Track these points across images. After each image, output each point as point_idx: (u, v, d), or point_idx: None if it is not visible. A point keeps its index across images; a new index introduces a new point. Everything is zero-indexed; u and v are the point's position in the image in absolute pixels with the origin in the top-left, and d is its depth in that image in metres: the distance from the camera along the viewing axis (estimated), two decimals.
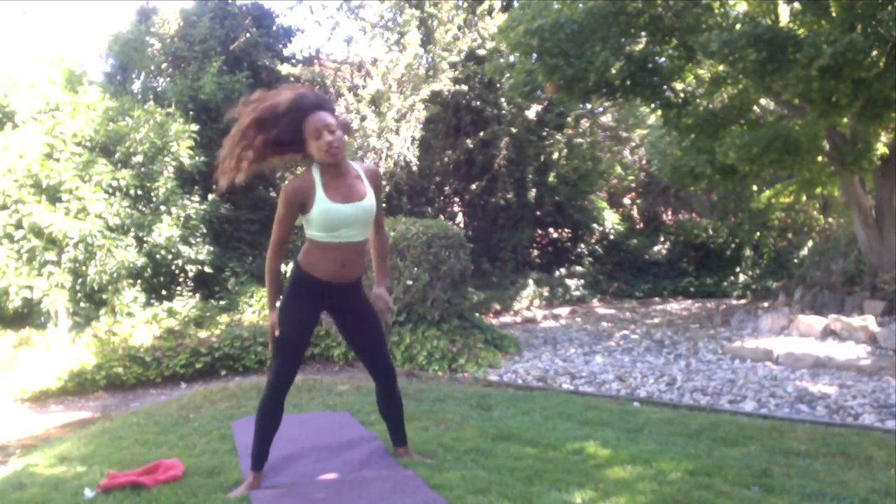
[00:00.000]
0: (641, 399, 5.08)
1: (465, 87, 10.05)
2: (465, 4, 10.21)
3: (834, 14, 6.71)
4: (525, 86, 8.35)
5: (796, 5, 7.23)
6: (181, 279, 8.43)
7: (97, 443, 3.90)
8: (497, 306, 9.99)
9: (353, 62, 10.90)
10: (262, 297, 8.15)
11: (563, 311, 10.45)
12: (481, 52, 10.06)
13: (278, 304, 2.95)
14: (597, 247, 12.92)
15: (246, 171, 2.85)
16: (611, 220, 13.23)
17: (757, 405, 4.79)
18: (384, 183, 9.72)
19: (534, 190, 11.48)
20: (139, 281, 7.86)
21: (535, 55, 7.81)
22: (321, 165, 2.81)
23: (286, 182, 2.90)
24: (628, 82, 7.57)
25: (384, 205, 9.99)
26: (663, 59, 8.10)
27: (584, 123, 12.24)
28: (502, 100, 10.77)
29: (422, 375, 6.22)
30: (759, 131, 7.03)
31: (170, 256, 7.99)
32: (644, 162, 14.18)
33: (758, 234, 12.81)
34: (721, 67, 7.50)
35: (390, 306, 3.19)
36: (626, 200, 14.69)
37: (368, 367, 3.17)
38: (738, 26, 6.71)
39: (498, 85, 10.70)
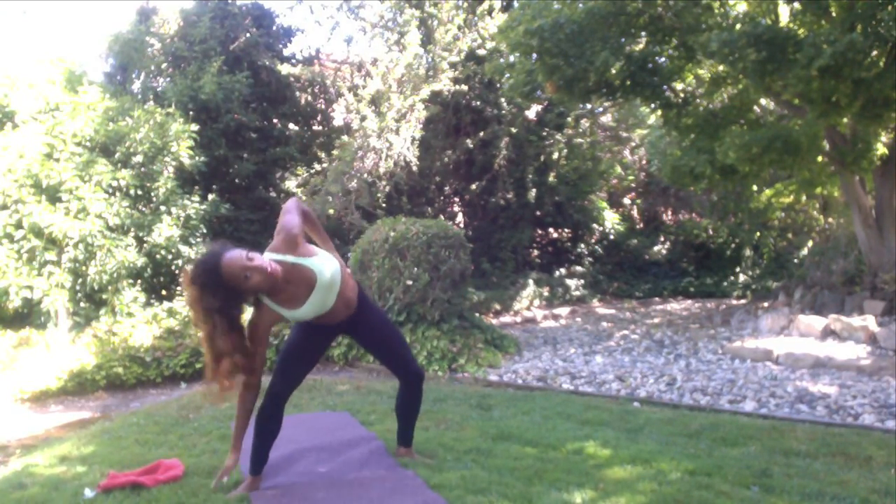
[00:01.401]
0: (641, 399, 5.08)
1: (465, 87, 10.05)
2: (465, 4, 10.21)
3: (834, 14, 6.71)
4: (525, 86, 8.34)
5: (796, 5, 7.23)
6: (181, 279, 8.43)
7: (97, 443, 3.90)
8: (497, 306, 9.99)
9: (353, 62, 10.91)
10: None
11: (563, 311, 10.44)
12: (481, 52, 10.06)
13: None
14: (597, 247, 12.92)
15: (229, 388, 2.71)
16: (611, 220, 13.23)
17: (757, 405, 4.79)
18: (384, 183, 9.72)
19: (534, 190, 11.48)
20: (139, 281, 7.86)
21: (535, 55, 7.81)
22: (266, 293, 2.69)
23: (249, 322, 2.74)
24: (628, 82, 7.57)
25: (384, 205, 9.97)
26: (663, 59, 8.10)
27: (584, 123, 12.24)
28: (502, 100, 10.77)
29: None
30: (759, 131, 7.02)
31: (170, 256, 7.99)
32: (644, 162, 14.18)
33: (758, 234, 12.81)
34: (721, 67, 7.50)
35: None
36: (626, 200, 14.69)
37: (395, 372, 3.19)
38: (738, 26, 6.71)
39: (498, 85, 10.70)
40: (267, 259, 2.61)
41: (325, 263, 2.74)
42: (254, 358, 2.76)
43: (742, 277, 13.07)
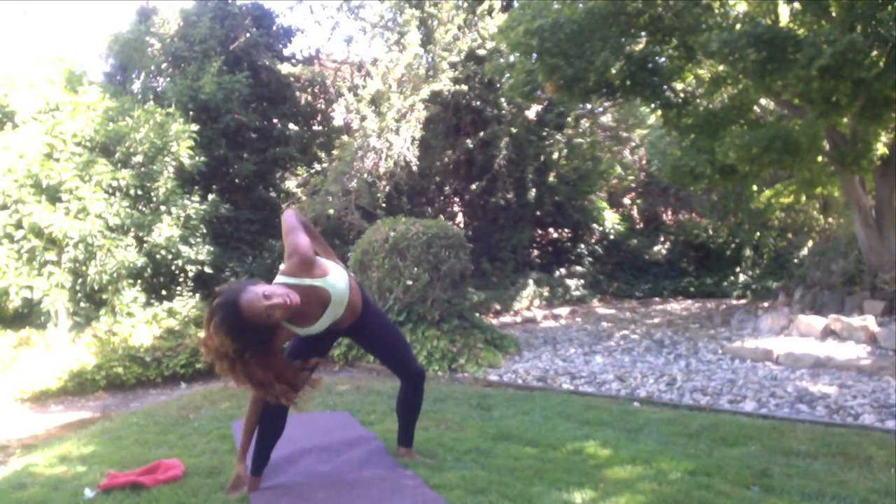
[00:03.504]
0: (641, 399, 5.08)
1: (465, 87, 10.05)
2: (465, 4, 10.21)
3: (834, 14, 6.71)
4: (525, 86, 8.35)
5: (796, 5, 7.23)
6: (181, 279, 8.43)
7: (97, 443, 3.90)
8: (497, 306, 9.99)
9: (353, 62, 10.91)
10: None
11: (563, 311, 10.44)
12: (481, 52, 10.06)
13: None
14: (597, 247, 12.92)
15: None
16: (611, 220, 13.23)
17: (757, 405, 4.79)
18: (384, 183, 9.72)
19: (534, 190, 11.48)
20: (139, 281, 7.86)
21: (535, 55, 7.81)
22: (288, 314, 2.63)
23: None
24: (628, 82, 7.57)
25: (384, 205, 9.98)
26: (663, 59, 8.10)
27: (584, 123, 12.24)
28: (502, 100, 10.77)
29: None
30: (759, 131, 7.02)
31: (170, 256, 7.99)
32: (644, 162, 14.18)
33: (758, 234, 12.81)
34: (721, 67, 7.50)
35: None
36: (626, 200, 14.69)
37: (397, 373, 3.20)
38: (738, 26, 6.70)
39: (498, 85, 10.70)
40: (282, 287, 2.58)
41: (337, 279, 2.75)
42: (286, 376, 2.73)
43: (742, 277, 13.07)
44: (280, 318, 2.56)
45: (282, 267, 2.74)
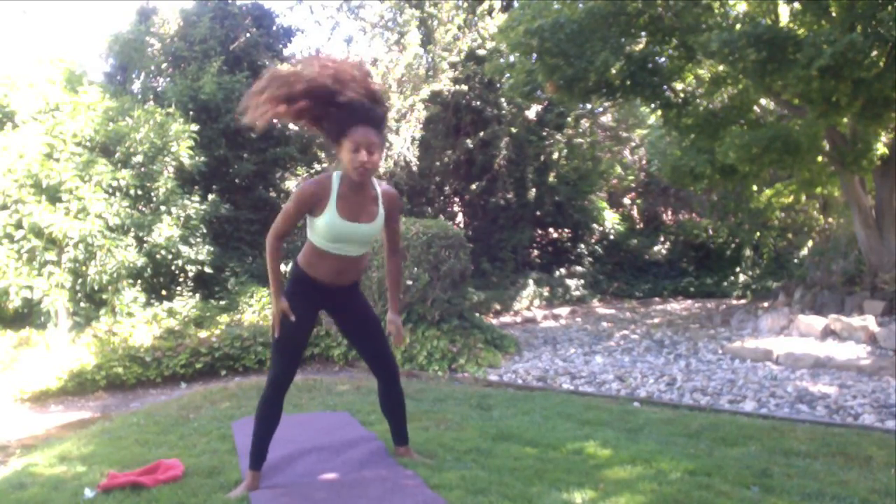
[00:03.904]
0: (641, 399, 5.08)
1: (465, 87, 10.05)
2: (465, 4, 10.21)
3: (834, 14, 6.71)
4: (525, 86, 8.35)
5: (796, 5, 7.23)
6: (181, 279, 8.43)
7: (97, 443, 3.90)
8: (497, 306, 9.99)
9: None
10: (262, 296, 8.15)
11: (563, 311, 10.45)
12: (481, 52, 10.06)
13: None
14: (597, 247, 12.92)
15: (269, 119, 2.78)
16: (611, 220, 13.24)
17: (757, 405, 4.79)
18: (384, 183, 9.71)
19: (534, 190, 11.48)
20: (139, 281, 7.87)
21: (535, 55, 7.81)
22: (343, 176, 2.78)
23: (303, 182, 2.84)
24: (628, 82, 7.57)
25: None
26: (663, 59, 8.10)
27: (584, 123, 12.24)
28: (502, 100, 10.78)
29: (422, 375, 6.22)
30: (759, 131, 7.02)
31: (170, 256, 7.99)
32: (644, 162, 14.18)
33: (758, 234, 12.82)
34: (721, 67, 7.50)
35: (402, 335, 3.15)
36: (626, 200, 14.69)
37: (370, 365, 3.17)
38: (738, 26, 6.71)
39: (498, 85, 10.70)
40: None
41: (379, 225, 2.87)
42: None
43: (742, 277, 13.07)
44: (357, 165, 2.66)
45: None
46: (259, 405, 2.94)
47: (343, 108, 2.71)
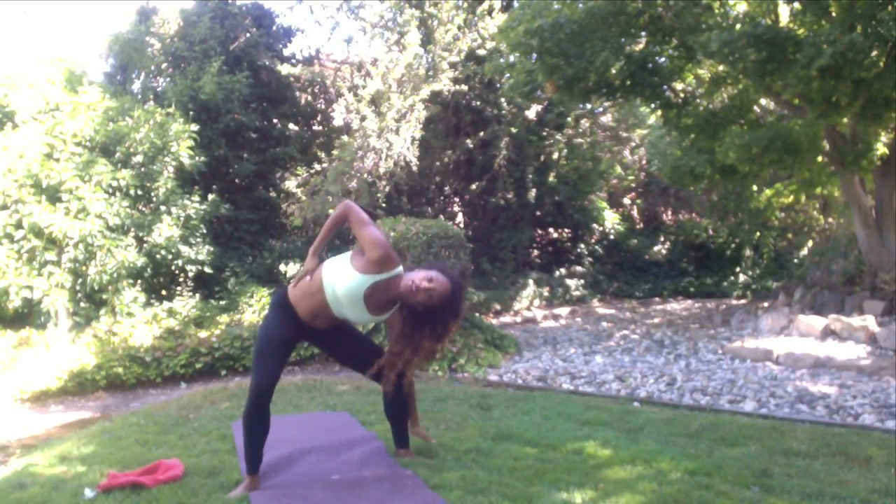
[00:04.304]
0: (641, 399, 5.08)
1: (465, 87, 10.05)
2: (465, 4, 10.21)
3: (834, 14, 6.71)
4: (525, 86, 8.34)
5: (796, 5, 7.23)
6: (181, 279, 8.43)
7: (97, 443, 3.90)
8: (497, 306, 9.99)
9: (353, 62, 10.91)
10: (262, 296, 8.15)
11: (563, 311, 10.44)
12: (481, 52, 10.06)
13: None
14: (597, 247, 12.92)
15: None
16: (611, 220, 13.24)
17: (757, 405, 4.79)
18: (384, 183, 9.71)
19: (534, 190, 11.48)
20: (139, 281, 7.86)
21: (535, 55, 7.81)
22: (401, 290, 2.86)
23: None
24: (628, 82, 7.57)
25: (384, 205, 9.96)
26: (663, 59, 8.10)
27: (584, 123, 12.24)
28: (502, 100, 10.78)
29: (422, 375, 6.21)
30: (759, 131, 7.02)
31: (170, 256, 7.99)
32: (644, 162, 14.18)
33: (758, 234, 12.82)
34: (721, 67, 7.50)
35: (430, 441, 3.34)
36: (626, 200, 14.69)
37: (371, 378, 3.18)
38: (738, 26, 6.70)
39: (498, 85, 10.70)
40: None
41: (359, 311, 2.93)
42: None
43: (742, 277, 13.07)
44: (419, 296, 2.82)
45: (355, 262, 2.83)
46: (244, 414, 2.94)
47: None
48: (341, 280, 2.80)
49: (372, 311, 2.87)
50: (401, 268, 2.88)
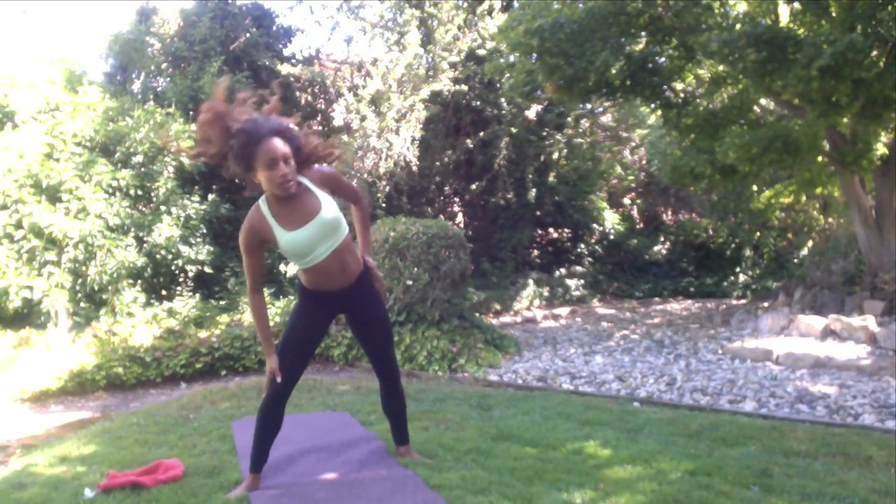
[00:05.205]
0: (641, 399, 5.08)
1: (465, 87, 10.05)
2: (465, 4, 10.21)
3: (834, 14, 6.71)
4: (525, 86, 8.34)
5: (796, 5, 7.23)
6: (181, 279, 8.43)
7: (97, 443, 3.90)
8: (497, 306, 9.99)
9: (353, 62, 10.90)
10: None
11: (563, 311, 10.44)
12: (481, 52, 10.06)
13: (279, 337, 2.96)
14: (597, 247, 12.92)
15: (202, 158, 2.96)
16: (611, 220, 13.23)
17: (757, 405, 4.79)
18: (384, 183, 9.71)
19: (534, 190, 11.48)
20: (139, 281, 7.86)
21: (535, 55, 7.81)
22: (270, 195, 2.73)
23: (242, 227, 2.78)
24: (628, 82, 7.57)
25: (384, 205, 9.97)
26: (663, 59, 8.10)
27: (584, 123, 12.24)
28: (502, 100, 10.77)
29: (422, 375, 6.22)
30: (759, 131, 7.02)
31: (170, 256, 7.99)
32: (644, 162, 14.18)
33: (758, 234, 12.81)
34: (721, 67, 7.50)
35: (379, 275, 3.12)
36: (626, 200, 14.69)
37: (374, 366, 3.20)
38: (738, 26, 6.71)
39: (498, 85, 10.70)
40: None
41: (331, 209, 2.78)
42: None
43: (742, 277, 13.07)
44: (279, 181, 2.63)
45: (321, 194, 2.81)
46: (259, 411, 2.94)
47: (239, 134, 2.65)
48: (327, 211, 2.77)
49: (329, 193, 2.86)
50: (324, 196, 2.80)
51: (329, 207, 2.78)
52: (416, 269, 6.73)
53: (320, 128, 12.05)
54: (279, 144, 2.64)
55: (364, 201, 3.12)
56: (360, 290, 2.95)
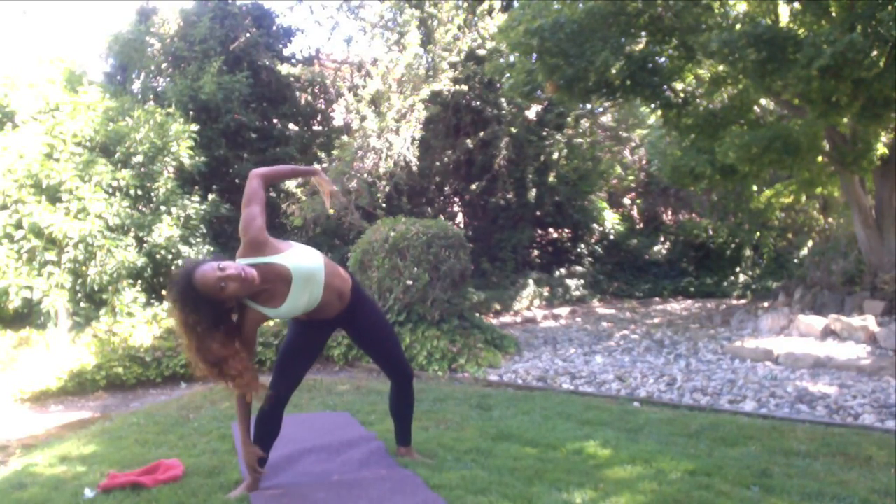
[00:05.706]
0: (641, 399, 5.08)
1: (465, 87, 10.05)
2: (465, 4, 10.21)
3: (834, 14, 6.71)
4: (525, 86, 8.35)
5: (796, 5, 7.23)
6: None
7: (97, 443, 3.90)
8: (497, 306, 9.99)
9: (353, 62, 10.90)
10: None
11: (563, 311, 10.44)
12: (481, 52, 10.06)
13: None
14: (597, 247, 12.92)
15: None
16: (611, 220, 13.24)
17: (757, 405, 4.79)
18: (384, 183, 9.72)
19: (534, 190, 11.48)
20: (139, 281, 7.86)
21: (535, 55, 7.81)
22: (247, 297, 2.67)
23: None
24: (628, 82, 7.57)
25: (384, 205, 9.92)
26: (663, 59, 8.10)
27: (584, 123, 12.24)
28: (502, 100, 10.78)
29: (422, 375, 6.22)
30: (759, 131, 7.02)
31: (170, 256, 7.98)
32: (644, 162, 14.18)
33: (758, 234, 12.82)
34: (721, 67, 7.50)
35: (325, 178, 3.23)
36: (626, 200, 14.69)
37: (384, 369, 3.21)
38: (738, 26, 6.71)
39: (498, 85, 10.70)
40: (239, 264, 2.61)
41: (299, 257, 2.73)
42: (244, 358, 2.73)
43: (742, 277, 13.07)
44: (235, 292, 2.55)
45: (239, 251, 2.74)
46: (257, 416, 2.95)
47: (209, 313, 2.58)
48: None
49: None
50: (282, 256, 2.69)
51: (300, 258, 2.72)
52: (416, 269, 6.73)
53: (320, 127, 12.08)
54: (208, 269, 2.54)
55: (259, 212, 2.77)
56: (355, 304, 2.99)
